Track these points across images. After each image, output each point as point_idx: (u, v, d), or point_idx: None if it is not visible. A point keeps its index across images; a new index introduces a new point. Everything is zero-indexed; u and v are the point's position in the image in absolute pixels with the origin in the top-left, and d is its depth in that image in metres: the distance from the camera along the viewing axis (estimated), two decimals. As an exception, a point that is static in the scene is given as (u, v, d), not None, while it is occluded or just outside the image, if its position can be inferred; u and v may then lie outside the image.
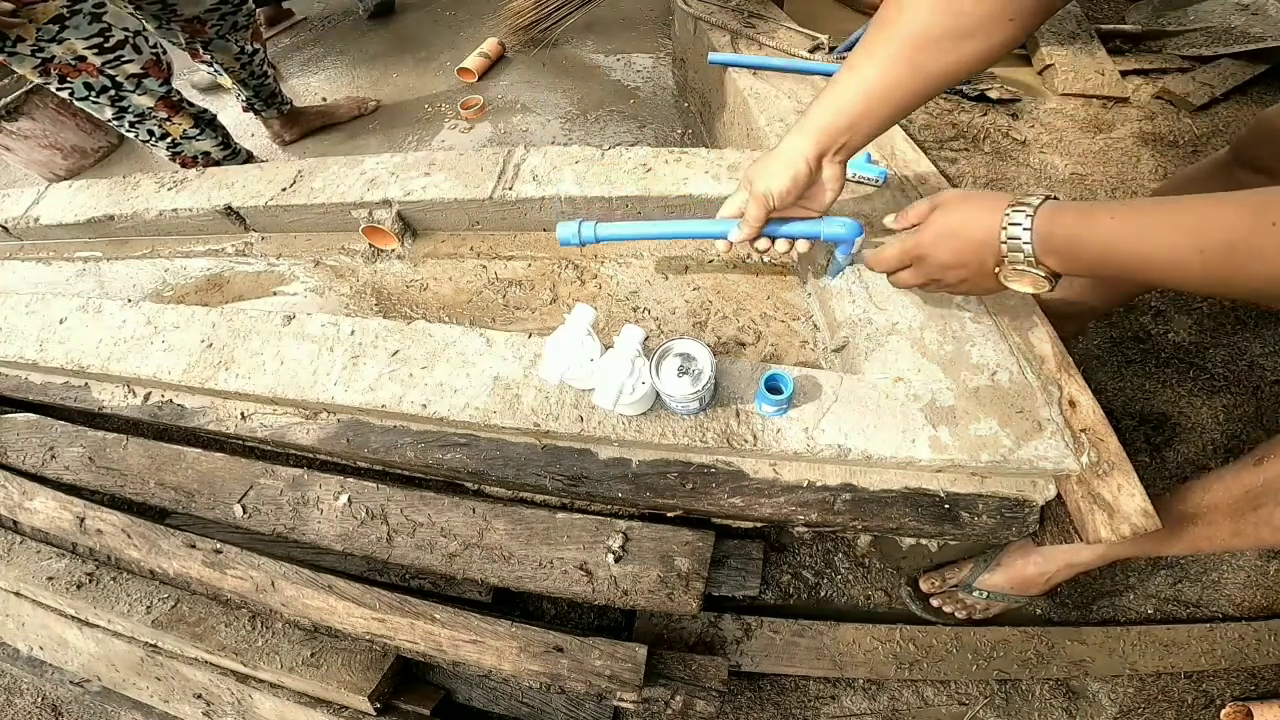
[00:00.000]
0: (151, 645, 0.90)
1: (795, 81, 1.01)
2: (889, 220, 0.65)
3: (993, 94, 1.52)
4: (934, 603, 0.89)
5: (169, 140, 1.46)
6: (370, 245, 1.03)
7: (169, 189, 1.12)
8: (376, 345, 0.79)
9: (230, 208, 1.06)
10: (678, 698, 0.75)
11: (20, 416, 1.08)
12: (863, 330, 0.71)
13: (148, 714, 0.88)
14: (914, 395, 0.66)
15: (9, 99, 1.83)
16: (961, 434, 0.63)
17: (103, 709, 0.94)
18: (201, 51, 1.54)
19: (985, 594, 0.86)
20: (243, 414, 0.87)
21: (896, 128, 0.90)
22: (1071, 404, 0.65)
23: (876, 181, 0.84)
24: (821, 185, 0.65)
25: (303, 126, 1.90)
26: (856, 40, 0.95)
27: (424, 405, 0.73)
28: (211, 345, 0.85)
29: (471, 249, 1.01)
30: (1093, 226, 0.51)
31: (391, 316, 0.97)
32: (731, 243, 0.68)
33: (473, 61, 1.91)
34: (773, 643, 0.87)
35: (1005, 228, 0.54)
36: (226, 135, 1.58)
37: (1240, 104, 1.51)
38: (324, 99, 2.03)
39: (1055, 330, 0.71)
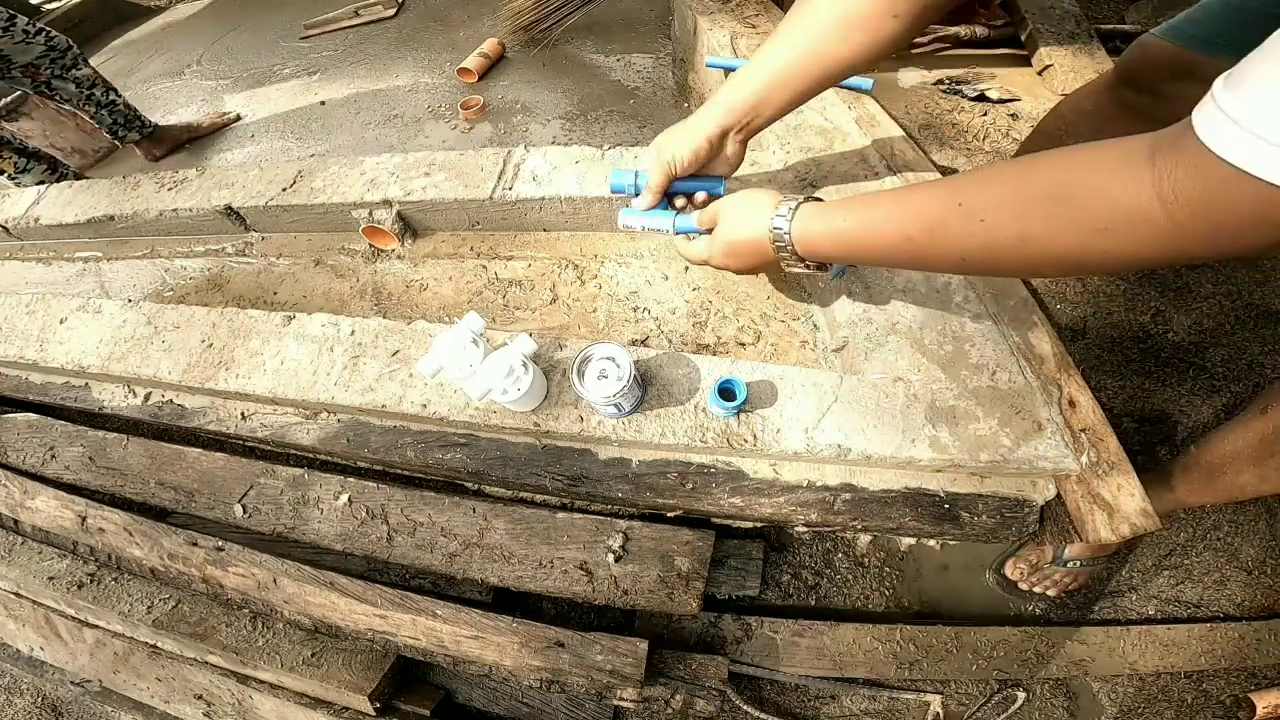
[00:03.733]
0: (152, 645, 0.90)
1: (795, 81, 1.01)
2: (694, 219, 0.71)
3: (993, 94, 1.52)
4: (1023, 586, 0.90)
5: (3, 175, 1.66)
6: (370, 245, 1.03)
7: (169, 189, 1.12)
8: (376, 345, 0.79)
9: (230, 208, 1.06)
10: (678, 697, 0.76)
11: (20, 416, 1.08)
12: (863, 330, 0.71)
13: (148, 714, 0.88)
14: (914, 395, 0.66)
15: (9, 99, 1.83)
16: (961, 434, 0.63)
17: (103, 709, 0.94)
18: (47, 90, 1.67)
19: (1078, 563, 0.86)
20: (243, 414, 0.87)
21: (897, 128, 0.90)
22: (1071, 404, 0.65)
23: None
24: (723, 159, 0.71)
25: (169, 143, 1.99)
26: None
27: (424, 405, 0.73)
28: (211, 345, 0.85)
29: (471, 249, 1.01)
30: (830, 224, 0.57)
31: (391, 317, 0.97)
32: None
33: (473, 61, 1.91)
34: (773, 643, 0.87)
35: (771, 228, 0.60)
36: (52, 160, 1.76)
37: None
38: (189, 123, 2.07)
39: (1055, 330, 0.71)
